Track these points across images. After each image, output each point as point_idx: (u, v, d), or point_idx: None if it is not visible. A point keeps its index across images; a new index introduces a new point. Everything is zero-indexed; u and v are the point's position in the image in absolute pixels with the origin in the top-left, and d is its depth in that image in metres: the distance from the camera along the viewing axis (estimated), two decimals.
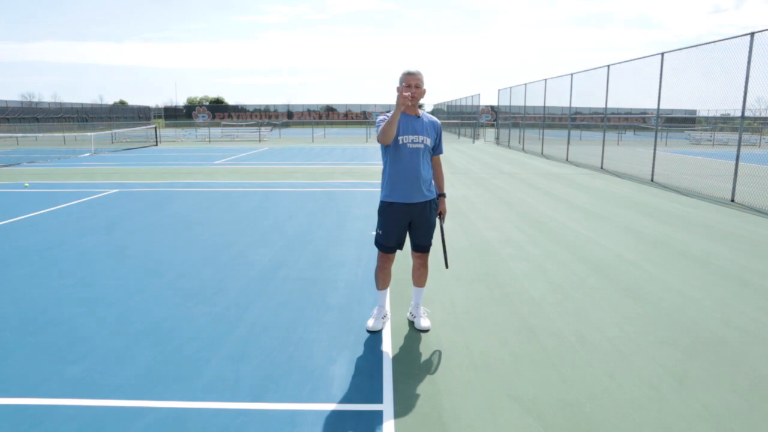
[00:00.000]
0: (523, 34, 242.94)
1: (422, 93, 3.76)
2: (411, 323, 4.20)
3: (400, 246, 4.00)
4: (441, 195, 4.05)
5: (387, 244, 3.95)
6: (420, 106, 3.90)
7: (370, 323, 4.09)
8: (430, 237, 4.02)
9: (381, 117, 3.84)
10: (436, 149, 3.95)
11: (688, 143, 31.56)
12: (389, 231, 3.91)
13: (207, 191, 11.21)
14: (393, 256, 4.06)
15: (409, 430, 2.83)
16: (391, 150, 3.79)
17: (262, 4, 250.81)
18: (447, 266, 4.21)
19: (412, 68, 3.73)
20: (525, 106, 25.44)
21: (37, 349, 3.74)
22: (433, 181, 3.97)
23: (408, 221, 3.90)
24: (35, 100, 61.83)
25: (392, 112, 3.68)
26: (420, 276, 4.14)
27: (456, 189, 11.24)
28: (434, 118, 3.96)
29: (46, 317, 4.30)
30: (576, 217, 8.42)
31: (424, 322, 4.11)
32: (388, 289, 4.25)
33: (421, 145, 3.79)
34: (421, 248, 4.04)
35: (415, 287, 4.18)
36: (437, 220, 4.05)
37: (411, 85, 3.68)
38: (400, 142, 3.75)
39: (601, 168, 15.90)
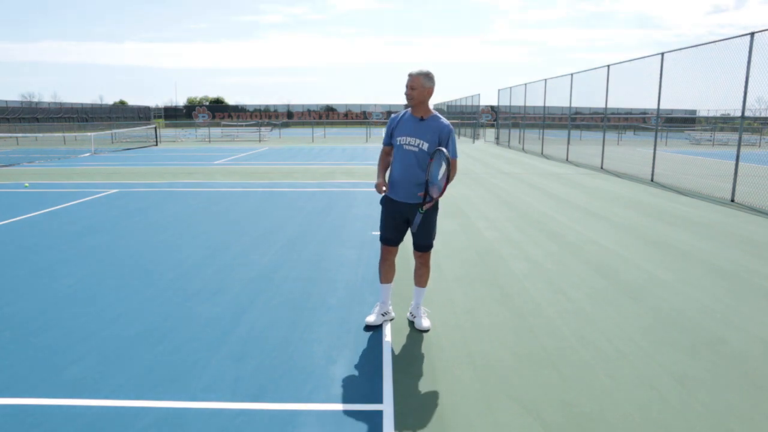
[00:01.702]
0: (523, 34, 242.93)
1: (419, 94, 3.75)
2: (411, 323, 4.20)
3: (398, 241, 4.07)
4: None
5: (384, 235, 4.07)
6: None
7: (370, 318, 4.13)
8: (430, 237, 4.03)
9: (393, 115, 4.04)
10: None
11: (688, 143, 31.56)
12: (386, 223, 4.05)
13: (207, 191, 11.21)
14: (393, 250, 4.11)
15: (409, 430, 2.83)
16: (394, 148, 3.96)
17: (262, 4, 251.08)
18: (422, 210, 3.81)
19: (414, 70, 3.79)
20: (525, 106, 25.44)
21: (37, 349, 3.74)
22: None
23: (405, 219, 3.98)
24: (35, 100, 61.83)
25: (400, 114, 3.91)
26: (421, 276, 4.15)
27: (456, 189, 11.24)
28: (444, 123, 3.84)
29: (46, 317, 4.30)
30: (576, 217, 8.42)
31: (424, 323, 4.11)
32: (391, 285, 4.21)
33: (416, 149, 3.80)
34: (421, 247, 4.06)
35: (415, 287, 4.19)
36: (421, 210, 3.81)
37: (408, 86, 3.77)
38: (398, 143, 3.89)
39: (601, 168, 15.90)
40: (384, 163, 4.08)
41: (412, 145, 3.81)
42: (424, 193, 3.76)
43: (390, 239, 4.05)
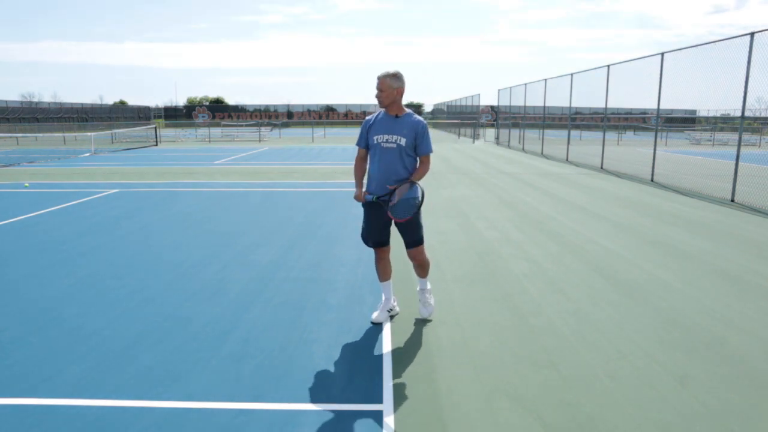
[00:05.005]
0: (523, 34, 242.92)
1: (388, 95, 3.85)
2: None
3: (383, 242, 4.13)
4: (408, 180, 3.92)
5: (368, 237, 4.13)
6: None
7: (374, 315, 4.23)
8: (417, 233, 4.07)
9: (367, 117, 4.11)
10: (419, 149, 3.96)
11: (688, 143, 31.56)
12: (369, 224, 4.11)
13: (207, 191, 11.21)
14: (384, 251, 4.19)
15: (409, 430, 2.83)
16: (371, 149, 4.02)
17: (262, 4, 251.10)
18: (375, 198, 3.95)
19: (381, 72, 3.88)
20: (525, 106, 25.44)
21: (37, 349, 3.74)
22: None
23: (387, 218, 4.01)
24: (35, 100, 61.78)
25: (376, 117, 4.00)
26: (421, 271, 4.27)
27: (456, 189, 11.24)
28: (418, 119, 3.99)
29: (46, 317, 4.30)
30: (576, 217, 8.42)
31: (422, 311, 4.27)
32: (391, 282, 4.30)
33: (394, 145, 3.90)
34: (410, 244, 4.12)
35: (418, 278, 4.33)
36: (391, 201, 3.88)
37: (377, 89, 3.88)
38: (375, 142, 3.95)
39: (601, 168, 15.90)
40: (360, 171, 4.13)
41: (390, 142, 3.91)
42: (394, 188, 3.85)
43: (378, 242, 4.13)
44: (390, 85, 3.84)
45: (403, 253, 4.20)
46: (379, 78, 3.86)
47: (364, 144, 4.06)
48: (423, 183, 4.15)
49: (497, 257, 6.07)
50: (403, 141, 3.89)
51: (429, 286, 4.36)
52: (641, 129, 42.84)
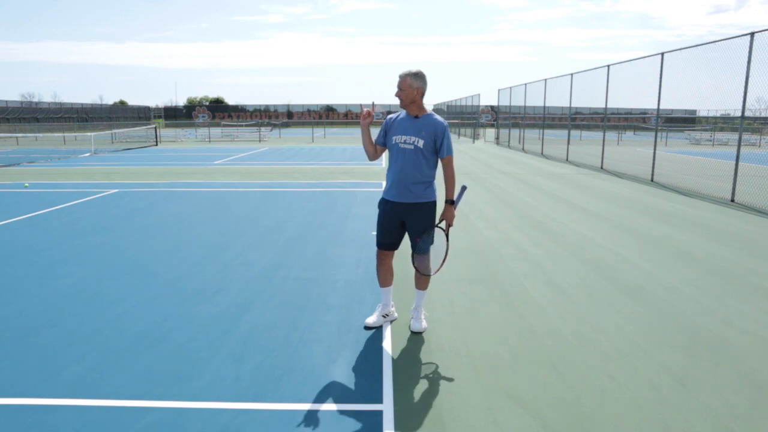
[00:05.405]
0: (524, 34, 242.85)
1: (407, 95, 3.76)
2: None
3: (394, 245, 4.03)
4: (448, 201, 3.94)
5: (379, 239, 4.04)
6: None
7: (370, 320, 4.14)
8: (426, 241, 3.94)
9: (390, 116, 4.02)
10: (439, 151, 3.86)
11: (688, 143, 31.57)
12: (381, 226, 4.00)
13: (207, 191, 11.21)
14: (389, 254, 4.07)
15: (409, 430, 2.83)
16: (390, 150, 3.93)
17: (262, 4, 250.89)
18: (431, 272, 4.03)
19: (403, 71, 3.79)
20: (525, 106, 25.44)
21: (37, 349, 3.74)
22: (433, 183, 3.95)
23: (400, 220, 3.93)
24: (35, 100, 61.77)
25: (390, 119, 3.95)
26: (420, 279, 4.11)
27: (456, 188, 11.20)
28: (438, 120, 3.84)
29: (46, 317, 4.30)
30: (576, 217, 8.42)
31: (422, 324, 4.06)
32: (391, 288, 4.20)
33: (411, 146, 3.79)
34: (423, 250, 3.98)
35: (417, 290, 4.15)
36: (439, 228, 3.94)
37: (398, 87, 3.79)
38: (393, 142, 3.87)
39: (601, 168, 15.90)
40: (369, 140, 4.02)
41: (407, 143, 3.80)
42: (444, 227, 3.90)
43: (386, 244, 4.02)
44: (410, 85, 3.72)
45: (404, 257, 4.17)
46: (400, 76, 3.75)
47: (382, 141, 3.95)
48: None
49: (497, 257, 6.07)
50: (420, 143, 3.77)
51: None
52: (641, 129, 42.87)
